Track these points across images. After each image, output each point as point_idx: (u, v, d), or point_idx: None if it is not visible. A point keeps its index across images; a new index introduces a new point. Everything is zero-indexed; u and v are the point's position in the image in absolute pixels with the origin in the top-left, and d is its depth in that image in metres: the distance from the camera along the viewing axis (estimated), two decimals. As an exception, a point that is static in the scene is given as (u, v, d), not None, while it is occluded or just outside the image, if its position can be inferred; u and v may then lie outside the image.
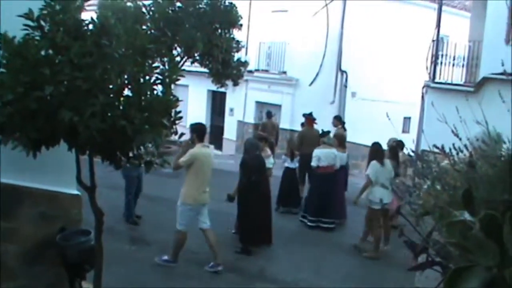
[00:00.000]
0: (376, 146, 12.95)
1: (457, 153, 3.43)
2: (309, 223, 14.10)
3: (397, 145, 13.78)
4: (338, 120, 17.49)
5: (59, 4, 5.69)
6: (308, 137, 15.99)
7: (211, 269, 10.64)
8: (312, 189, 14.56)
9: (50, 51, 5.56)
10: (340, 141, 14.98)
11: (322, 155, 13.98)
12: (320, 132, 15.28)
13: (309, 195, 14.69)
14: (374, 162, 12.45)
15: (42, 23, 5.66)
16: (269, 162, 13.07)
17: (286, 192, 15.29)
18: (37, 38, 5.63)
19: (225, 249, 11.95)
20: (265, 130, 19.10)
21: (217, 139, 29.58)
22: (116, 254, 10.47)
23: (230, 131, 29.36)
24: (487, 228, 1.63)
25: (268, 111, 21.11)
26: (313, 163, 14.03)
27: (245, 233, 12.06)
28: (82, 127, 5.33)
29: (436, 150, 3.49)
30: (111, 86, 5.66)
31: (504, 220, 1.52)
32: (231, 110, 29.46)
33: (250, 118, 28.09)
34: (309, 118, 16.69)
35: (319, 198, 14.07)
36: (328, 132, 15.06)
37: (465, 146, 3.46)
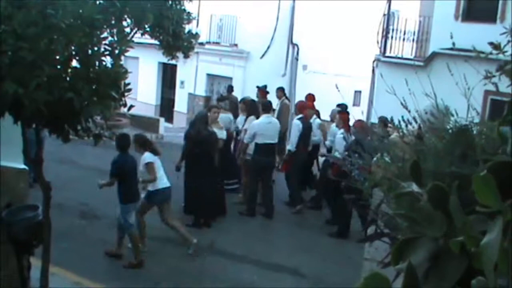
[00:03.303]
0: (251, 102, 13.95)
1: (406, 126, 3.46)
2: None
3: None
4: (282, 91, 17.56)
5: (2, -28, 5.52)
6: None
7: None
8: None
9: (-7, 21, 5.40)
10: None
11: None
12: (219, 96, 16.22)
13: None
14: (251, 117, 13.18)
15: (-16, -9, 5.48)
16: (221, 134, 12.87)
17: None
18: (-21, 7, 5.45)
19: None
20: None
21: (168, 112, 29.37)
22: (65, 229, 10.34)
23: (181, 104, 29.18)
24: (434, 200, 1.64)
25: (229, 85, 20.96)
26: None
27: (189, 205, 12.02)
28: (27, 100, 5.20)
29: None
30: (57, 57, 5.54)
31: (451, 190, 1.53)
32: (182, 82, 29.24)
33: (201, 91, 27.96)
34: (262, 90, 16.68)
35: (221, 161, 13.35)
36: (226, 97, 15.99)
37: (414, 118, 3.48)
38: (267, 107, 13.33)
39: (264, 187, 13.15)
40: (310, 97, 15.36)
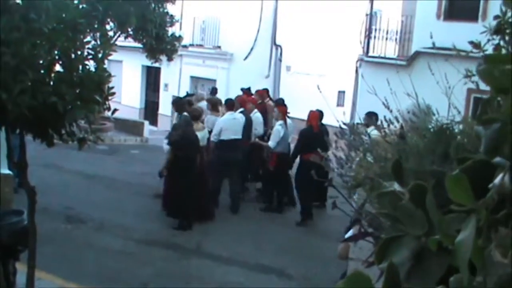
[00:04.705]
0: (178, 100, 14.69)
1: (388, 125, 3.49)
2: None
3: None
4: (266, 93, 17.64)
5: (-16, -23, 5.50)
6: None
7: None
8: None
9: (-25, 26, 5.38)
10: (213, 106, 15.27)
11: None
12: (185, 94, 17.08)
13: None
14: (176, 114, 13.85)
15: (-34, -4, 5.46)
16: (202, 136, 12.86)
17: None
18: (-39, 12, 5.43)
19: (162, 225, 11.93)
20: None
21: (152, 115, 29.29)
22: (50, 234, 10.30)
23: (165, 107, 29.05)
24: (416, 198, 1.66)
25: (213, 87, 20.98)
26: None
27: (173, 209, 12.00)
28: (11, 105, 5.18)
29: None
30: (41, 62, 5.53)
31: (428, 188, 1.55)
32: (166, 85, 29.18)
33: (185, 93, 27.88)
34: (246, 92, 16.75)
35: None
36: (193, 94, 17.03)
37: (396, 118, 3.51)
38: (231, 104, 13.92)
39: (231, 182, 13.70)
40: (262, 92, 16.52)
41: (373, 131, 12.44)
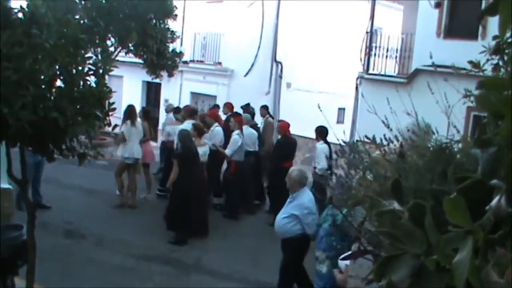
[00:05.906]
0: (130, 107, 14.65)
1: (388, 144, 3.49)
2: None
3: (149, 110, 16.64)
4: (266, 109, 17.66)
5: (-13, -8, 5.54)
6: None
7: None
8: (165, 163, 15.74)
9: (-23, 41, 5.40)
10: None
11: (171, 131, 14.85)
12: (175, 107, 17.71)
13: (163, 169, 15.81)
14: (127, 122, 14.02)
15: (-31, 11, 5.49)
16: (202, 151, 12.93)
17: None
18: (-36, 27, 5.46)
19: (161, 240, 11.90)
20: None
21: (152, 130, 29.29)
22: (50, 248, 10.28)
23: (166, 122, 29.10)
24: (415, 217, 1.67)
25: (214, 104, 21.03)
26: (164, 138, 15.48)
27: (173, 222, 11.97)
28: (12, 119, 5.20)
29: (367, 140, 3.56)
30: (42, 77, 5.55)
31: (426, 209, 1.56)
32: (166, 101, 29.19)
33: (186, 109, 27.89)
34: (245, 109, 16.82)
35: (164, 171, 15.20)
36: (179, 108, 17.18)
37: (396, 136, 3.52)
38: (192, 113, 14.74)
39: None
40: (230, 105, 17.06)
41: (321, 145, 13.07)
